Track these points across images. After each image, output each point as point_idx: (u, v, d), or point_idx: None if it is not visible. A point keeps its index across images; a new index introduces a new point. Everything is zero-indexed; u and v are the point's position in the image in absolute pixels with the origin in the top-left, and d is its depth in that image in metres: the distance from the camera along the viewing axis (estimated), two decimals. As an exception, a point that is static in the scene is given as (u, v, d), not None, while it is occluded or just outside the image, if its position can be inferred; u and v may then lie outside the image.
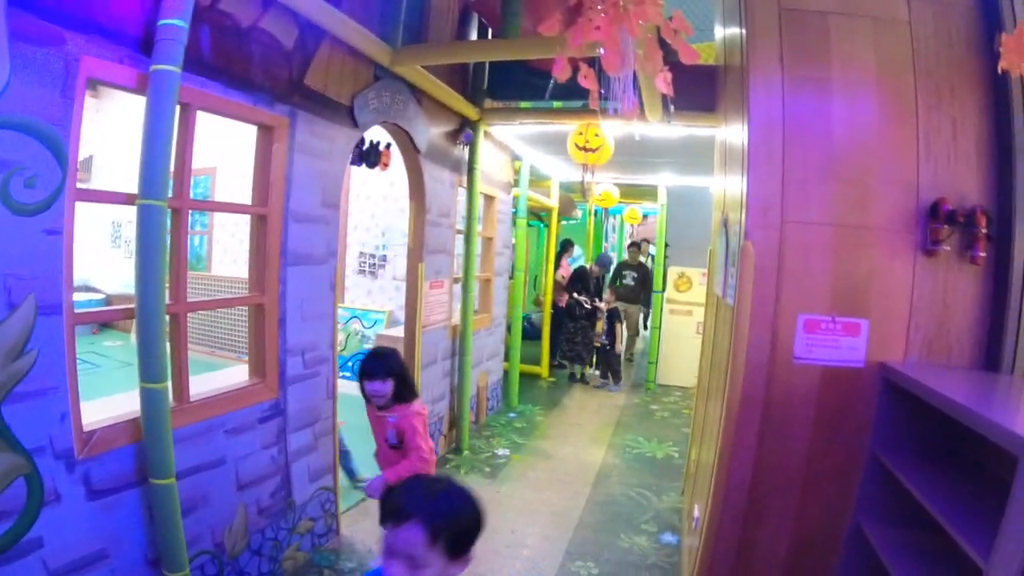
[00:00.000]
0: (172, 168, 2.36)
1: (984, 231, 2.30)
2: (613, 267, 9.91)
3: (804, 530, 2.60)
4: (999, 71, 1.85)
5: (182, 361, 2.64)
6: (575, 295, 8.32)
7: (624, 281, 9.18)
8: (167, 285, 2.46)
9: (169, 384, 2.40)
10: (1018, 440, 1.47)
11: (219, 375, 3.21)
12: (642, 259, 9.61)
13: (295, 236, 3.19)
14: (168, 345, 2.49)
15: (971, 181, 2.41)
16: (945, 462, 2.22)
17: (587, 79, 2.51)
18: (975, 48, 2.43)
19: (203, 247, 7.95)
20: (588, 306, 8.17)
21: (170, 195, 2.36)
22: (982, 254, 2.34)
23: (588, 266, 9.30)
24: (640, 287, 9.18)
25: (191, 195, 2.70)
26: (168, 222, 2.41)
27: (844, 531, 2.53)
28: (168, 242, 2.46)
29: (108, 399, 2.68)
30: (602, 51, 2.25)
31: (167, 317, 2.43)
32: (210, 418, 2.73)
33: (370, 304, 7.05)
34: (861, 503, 2.48)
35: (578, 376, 8.50)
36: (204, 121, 2.64)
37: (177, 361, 2.61)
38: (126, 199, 2.31)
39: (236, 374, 3.18)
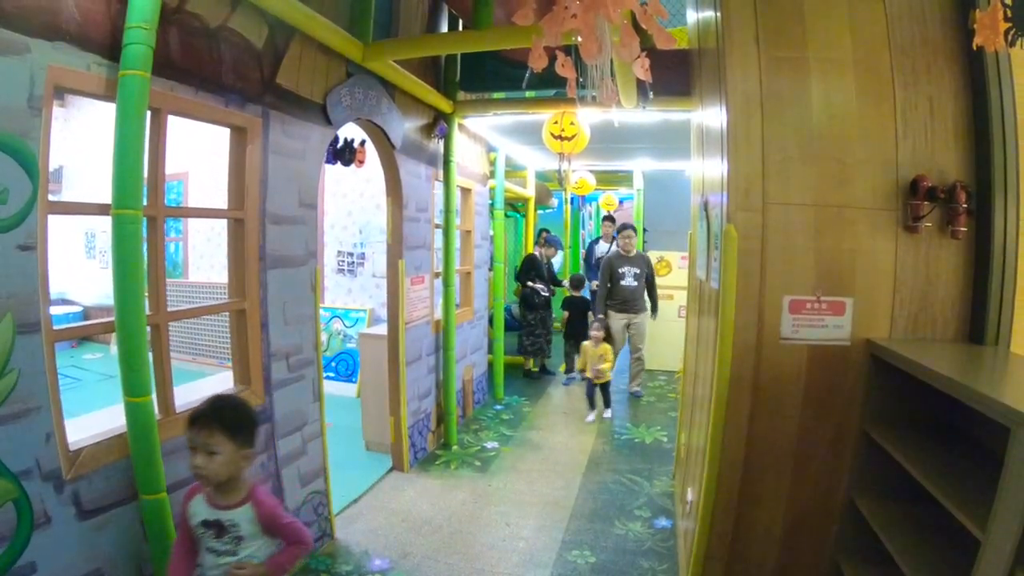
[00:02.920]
0: (145, 175, 2.30)
1: (964, 206, 2.33)
2: (600, 262, 7.73)
3: (799, 507, 2.63)
4: (974, 47, 1.85)
5: (166, 372, 2.58)
6: (529, 284, 7.81)
7: (623, 282, 7.01)
8: (146, 295, 2.40)
9: (154, 396, 2.35)
10: (1010, 412, 1.49)
11: (204, 383, 3.16)
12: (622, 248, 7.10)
13: (273, 238, 3.14)
14: (150, 357, 2.44)
15: (949, 157, 2.44)
16: (935, 435, 2.25)
17: (565, 68, 2.49)
18: (949, 25, 2.45)
19: (179, 254, 7.83)
20: (545, 293, 7.83)
21: (144, 203, 2.31)
22: (963, 229, 2.37)
23: (538, 251, 8.30)
24: (645, 288, 7.14)
25: (165, 202, 2.64)
26: (144, 231, 2.35)
27: (838, 506, 2.57)
28: (145, 252, 2.40)
29: (93, 415, 2.62)
30: (579, 39, 2.23)
31: (148, 328, 2.37)
32: (198, 428, 2.67)
33: (350, 303, 6.99)
34: (854, 478, 2.51)
35: (535, 369, 8.10)
36: (175, 124, 2.57)
37: (160, 372, 2.55)
38: (100, 210, 2.25)
39: (221, 382, 3.13)
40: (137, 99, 2.16)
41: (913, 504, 2.26)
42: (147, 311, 2.36)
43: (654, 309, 7.34)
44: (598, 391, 6.43)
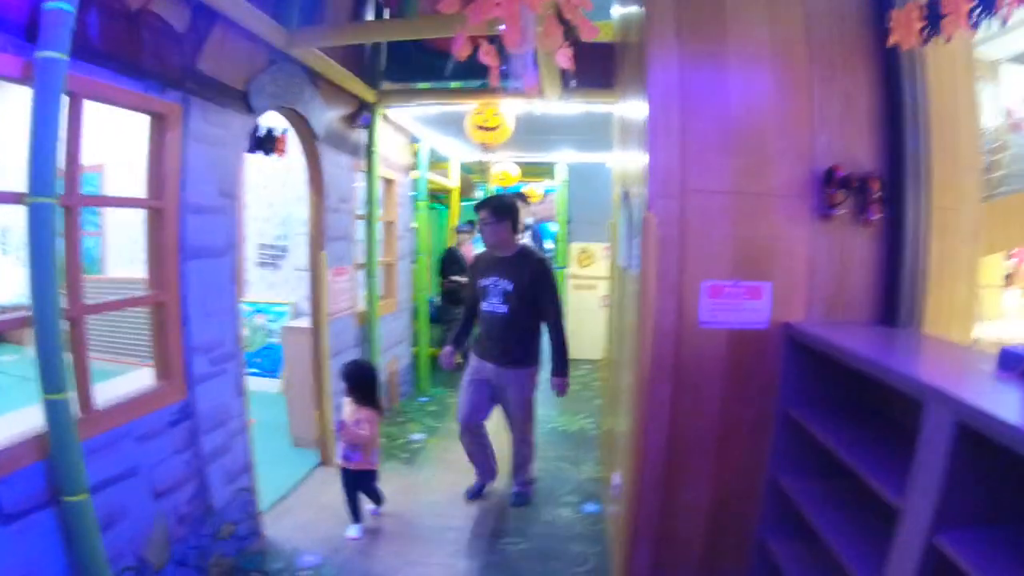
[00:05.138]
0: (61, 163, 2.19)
1: (877, 195, 2.48)
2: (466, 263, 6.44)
3: (723, 487, 2.74)
4: (888, 45, 1.98)
5: (84, 368, 2.47)
6: (453, 278, 7.49)
7: (484, 305, 3.97)
8: (63, 289, 2.29)
9: (73, 393, 2.25)
10: (921, 386, 1.61)
11: (123, 380, 3.03)
12: (521, 239, 4.59)
13: (193, 229, 3.03)
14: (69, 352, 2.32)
15: (863, 149, 2.58)
16: (850, 413, 2.39)
17: (488, 55, 2.52)
18: (867, 23, 2.58)
19: (97, 249, 7.41)
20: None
21: (60, 192, 2.20)
22: (876, 216, 2.52)
23: (456, 246, 7.95)
24: (528, 312, 3.90)
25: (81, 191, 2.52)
26: (60, 221, 2.24)
27: (761, 484, 2.69)
28: (61, 243, 2.29)
29: (9, 416, 2.48)
30: (502, 28, 2.26)
31: (65, 322, 2.27)
32: (118, 426, 2.57)
33: (273, 297, 6.79)
34: (775, 457, 2.63)
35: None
36: (90, 116, 2.44)
37: (79, 368, 2.44)
38: (14, 198, 2.12)
39: (141, 378, 3.01)
40: (55, 82, 2.06)
41: (834, 479, 2.38)
42: (63, 304, 2.26)
43: (559, 370, 4.11)
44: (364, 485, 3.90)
